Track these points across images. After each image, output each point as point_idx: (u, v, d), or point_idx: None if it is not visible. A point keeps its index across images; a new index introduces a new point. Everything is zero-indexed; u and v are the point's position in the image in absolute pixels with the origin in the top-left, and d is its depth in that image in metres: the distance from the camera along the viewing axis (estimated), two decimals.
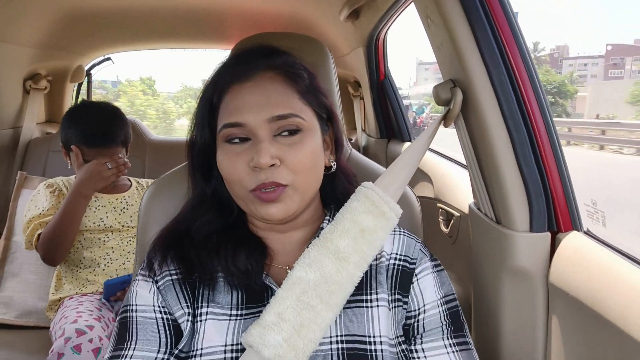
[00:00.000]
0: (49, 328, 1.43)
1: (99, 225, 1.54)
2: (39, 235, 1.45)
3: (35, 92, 2.11)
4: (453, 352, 0.72)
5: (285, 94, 0.71)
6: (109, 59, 2.41)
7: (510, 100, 0.82)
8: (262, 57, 0.73)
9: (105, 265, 1.52)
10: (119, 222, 1.56)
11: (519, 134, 0.83)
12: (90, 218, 1.53)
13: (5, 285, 1.61)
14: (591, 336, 0.72)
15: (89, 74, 2.44)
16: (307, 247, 0.72)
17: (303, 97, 0.72)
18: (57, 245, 1.43)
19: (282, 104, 0.69)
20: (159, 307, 0.72)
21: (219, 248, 0.73)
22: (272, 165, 0.67)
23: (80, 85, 2.47)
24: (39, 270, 1.62)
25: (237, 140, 0.70)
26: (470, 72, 0.83)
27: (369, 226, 0.73)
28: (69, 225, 1.44)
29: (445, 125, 0.92)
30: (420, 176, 1.59)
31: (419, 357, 0.72)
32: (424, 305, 0.74)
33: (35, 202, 1.53)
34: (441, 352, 0.72)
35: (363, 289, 0.73)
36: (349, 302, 0.71)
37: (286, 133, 0.69)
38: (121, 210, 1.58)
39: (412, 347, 0.73)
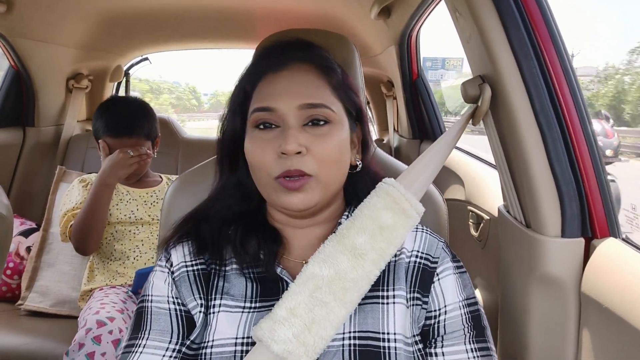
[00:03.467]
0: None
1: (130, 218, 1.58)
2: (72, 226, 1.50)
3: (77, 91, 2.20)
4: (475, 357, 0.70)
5: (318, 86, 0.71)
6: (146, 59, 2.48)
7: (542, 96, 0.77)
8: (298, 50, 0.74)
9: (134, 258, 1.55)
10: (149, 215, 1.60)
11: (551, 131, 0.77)
12: (122, 210, 1.58)
13: (42, 274, 1.67)
14: (626, 352, 0.66)
15: (127, 74, 2.52)
16: (324, 243, 0.71)
17: (335, 91, 0.72)
18: (86, 234, 1.48)
19: (315, 94, 0.70)
20: (172, 298, 0.73)
21: (231, 233, 0.74)
22: (299, 152, 0.67)
23: (119, 84, 2.55)
24: (73, 261, 1.68)
25: (266, 126, 0.70)
26: (500, 67, 0.79)
27: (388, 223, 0.71)
28: (96, 215, 1.48)
29: (474, 123, 0.88)
30: (451, 178, 1.54)
31: None
32: (445, 306, 0.71)
33: (70, 196, 1.60)
34: (462, 356, 0.70)
35: (380, 285, 0.71)
36: (365, 297, 0.70)
37: (315, 123, 0.69)
38: (151, 203, 1.62)
39: (432, 350, 0.71)
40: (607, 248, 0.75)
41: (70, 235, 1.51)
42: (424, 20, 1.61)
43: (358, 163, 0.77)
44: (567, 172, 0.78)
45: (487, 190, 1.29)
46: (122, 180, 1.56)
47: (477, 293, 1.29)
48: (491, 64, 0.81)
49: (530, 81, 0.78)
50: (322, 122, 0.69)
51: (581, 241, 0.78)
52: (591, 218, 0.78)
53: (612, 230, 0.78)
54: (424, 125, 1.97)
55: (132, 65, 2.52)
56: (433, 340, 0.71)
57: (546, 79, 0.78)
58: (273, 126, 0.70)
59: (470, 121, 0.88)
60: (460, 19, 0.88)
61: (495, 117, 0.86)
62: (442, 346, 0.70)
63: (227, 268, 0.74)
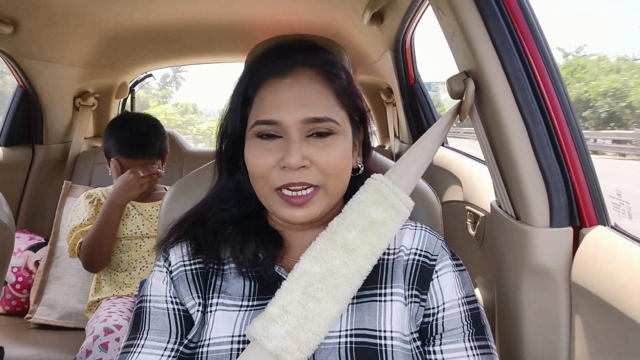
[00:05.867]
0: None
1: (136, 233, 1.60)
2: (80, 243, 1.53)
3: (84, 109, 2.25)
4: (474, 355, 0.68)
5: (323, 96, 0.70)
6: (150, 75, 2.53)
7: (525, 89, 0.78)
8: (301, 53, 0.72)
9: (140, 269, 1.57)
10: (155, 230, 1.62)
11: (536, 124, 0.78)
12: (127, 226, 1.60)
13: (50, 287, 1.70)
14: (617, 338, 0.66)
15: (132, 90, 2.57)
16: (315, 240, 0.71)
17: (338, 99, 0.71)
18: (96, 252, 1.50)
19: (319, 106, 0.69)
20: (170, 297, 0.74)
21: (229, 236, 0.74)
22: (303, 166, 0.67)
23: (124, 101, 2.60)
24: (80, 274, 1.71)
25: (268, 135, 0.69)
26: (482, 62, 0.80)
27: (378, 218, 0.71)
28: (106, 234, 1.50)
29: (460, 119, 0.89)
30: (449, 179, 1.54)
31: (436, 359, 0.69)
32: (444, 304, 0.71)
33: (77, 212, 1.62)
34: (461, 354, 0.69)
35: (378, 282, 0.71)
36: (362, 295, 0.69)
37: (319, 134, 0.69)
38: (157, 218, 1.64)
39: (430, 348, 0.70)
40: (595, 236, 0.75)
41: (78, 252, 1.53)
42: (416, 24, 1.63)
43: (360, 165, 0.77)
44: (553, 164, 0.78)
45: (483, 188, 1.29)
46: (132, 199, 1.58)
47: (477, 292, 1.28)
48: (474, 60, 0.82)
49: (512, 75, 0.79)
50: (325, 134, 0.69)
51: (569, 230, 0.78)
52: (579, 207, 0.78)
53: (601, 218, 0.78)
54: (423, 129, 1.98)
55: (136, 82, 2.57)
56: (431, 338, 0.70)
57: (528, 73, 0.79)
58: (275, 136, 0.69)
59: (458, 117, 0.89)
60: (443, 17, 0.90)
61: (481, 112, 0.87)
62: (440, 344, 0.69)
63: (226, 267, 0.74)
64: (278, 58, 0.71)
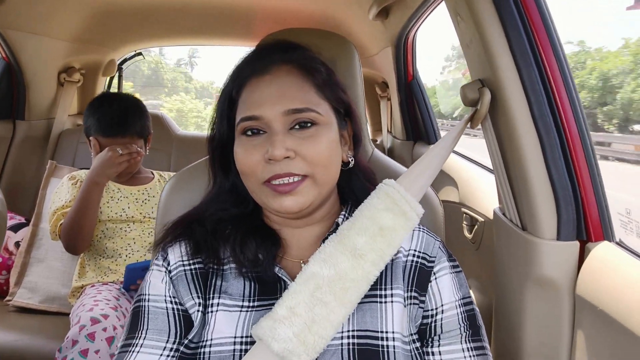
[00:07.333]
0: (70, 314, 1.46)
1: (121, 216, 1.56)
2: (61, 225, 1.48)
3: (68, 85, 2.17)
4: (470, 356, 0.71)
5: (302, 88, 0.71)
6: (140, 53, 2.45)
7: (541, 102, 0.79)
8: (279, 52, 0.74)
9: (126, 256, 1.54)
10: (141, 213, 1.58)
11: (549, 136, 0.79)
12: (112, 208, 1.56)
13: (31, 270, 1.65)
14: (620, 353, 0.67)
15: (120, 68, 2.49)
16: (324, 243, 0.71)
17: (319, 91, 0.73)
18: (76, 233, 1.46)
19: (298, 98, 0.70)
20: (170, 297, 0.73)
21: (229, 235, 0.74)
22: (287, 157, 0.68)
23: (112, 79, 2.52)
24: (63, 258, 1.66)
25: (253, 133, 0.70)
26: (500, 72, 0.80)
27: (388, 224, 0.71)
28: (85, 214, 1.46)
29: (472, 127, 0.89)
30: (445, 180, 1.55)
31: None
32: (442, 305, 0.72)
33: (59, 194, 1.57)
34: (458, 355, 0.71)
35: (378, 284, 0.72)
36: (363, 297, 0.70)
37: (302, 126, 0.70)
38: (143, 201, 1.61)
39: (429, 349, 0.71)
40: (601, 251, 0.77)
41: (60, 234, 1.49)
42: (422, 22, 1.62)
43: (350, 159, 0.77)
44: (563, 177, 0.79)
45: (481, 192, 1.30)
46: (112, 178, 1.54)
47: (471, 294, 1.30)
48: (491, 69, 0.82)
49: (529, 87, 0.79)
50: (308, 125, 0.70)
51: (576, 244, 0.79)
52: (586, 222, 0.80)
53: (607, 234, 0.79)
54: (418, 126, 1.99)
55: (125, 60, 2.49)
56: (429, 340, 0.71)
57: (545, 85, 0.79)
58: (260, 132, 0.70)
59: (469, 124, 0.89)
60: (461, 23, 0.89)
61: (494, 121, 0.87)
62: (438, 345, 0.71)
63: (225, 267, 0.74)
64: (257, 59, 0.74)
